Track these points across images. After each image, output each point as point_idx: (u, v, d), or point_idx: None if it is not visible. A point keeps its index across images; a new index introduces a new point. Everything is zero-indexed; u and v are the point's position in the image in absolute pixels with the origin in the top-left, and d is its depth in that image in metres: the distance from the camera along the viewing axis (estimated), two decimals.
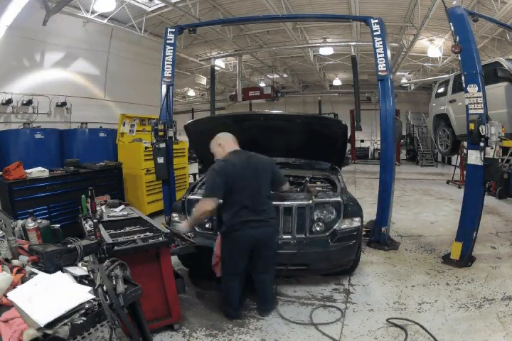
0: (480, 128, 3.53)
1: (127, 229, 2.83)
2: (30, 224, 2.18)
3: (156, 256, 2.54)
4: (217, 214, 2.91)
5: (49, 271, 1.63)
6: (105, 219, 2.97)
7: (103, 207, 3.32)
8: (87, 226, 2.93)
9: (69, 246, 1.77)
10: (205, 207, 2.66)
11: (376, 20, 4.38)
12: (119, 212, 3.22)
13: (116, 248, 2.31)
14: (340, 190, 3.61)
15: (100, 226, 2.69)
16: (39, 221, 2.28)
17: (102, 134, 7.00)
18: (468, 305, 2.98)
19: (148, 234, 2.67)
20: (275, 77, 16.67)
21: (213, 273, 3.48)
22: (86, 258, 1.88)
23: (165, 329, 2.67)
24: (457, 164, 10.06)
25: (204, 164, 4.83)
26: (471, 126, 3.59)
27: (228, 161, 2.76)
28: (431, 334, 2.51)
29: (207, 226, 3.39)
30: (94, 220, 2.76)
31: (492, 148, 3.52)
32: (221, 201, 2.74)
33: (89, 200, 3.14)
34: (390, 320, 2.75)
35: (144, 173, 6.14)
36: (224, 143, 2.91)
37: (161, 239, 2.54)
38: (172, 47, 4.80)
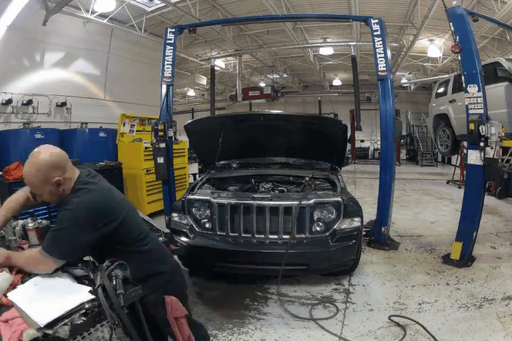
0: (480, 128, 3.53)
1: None
2: (30, 224, 2.17)
3: None
4: None
5: None
6: None
7: None
8: None
9: None
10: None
11: (376, 20, 4.38)
12: None
13: None
14: (340, 190, 3.61)
15: None
16: (39, 221, 2.28)
17: (102, 134, 7.00)
18: (468, 305, 2.98)
19: None
20: (275, 77, 16.68)
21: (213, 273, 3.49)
22: (86, 258, 1.88)
23: None
24: (457, 164, 10.06)
25: (204, 164, 4.83)
26: (471, 126, 3.59)
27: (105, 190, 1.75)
28: (431, 334, 2.51)
29: (207, 226, 3.39)
30: None
31: (492, 148, 3.52)
32: None
33: None
34: (391, 318, 2.76)
35: (144, 173, 6.14)
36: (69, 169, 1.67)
37: (161, 239, 2.54)
38: (172, 47, 4.80)
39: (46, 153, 1.58)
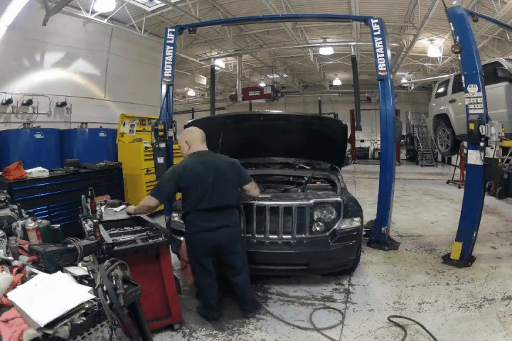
0: (480, 128, 3.53)
1: (127, 229, 2.83)
2: (30, 224, 2.17)
3: (156, 256, 2.55)
4: (182, 217, 2.90)
5: (49, 271, 1.64)
6: (105, 218, 2.97)
7: (103, 208, 3.31)
8: (87, 226, 2.93)
9: (69, 246, 1.77)
10: (148, 203, 2.73)
11: (376, 20, 4.37)
12: (119, 211, 3.22)
13: (116, 248, 2.31)
14: (340, 190, 3.61)
15: (100, 226, 2.69)
16: (39, 221, 2.28)
17: (102, 134, 7.01)
18: (468, 305, 2.98)
19: (148, 233, 2.67)
20: (275, 77, 16.68)
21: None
22: (86, 258, 1.88)
23: (165, 329, 2.67)
24: (457, 164, 10.06)
25: None
26: (471, 126, 3.59)
27: (186, 166, 2.70)
28: (431, 334, 2.51)
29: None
30: (94, 220, 2.76)
31: (492, 148, 3.52)
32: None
33: (89, 200, 3.13)
34: (391, 318, 2.76)
35: (144, 173, 6.14)
36: (191, 142, 2.82)
37: (160, 238, 2.54)
38: (172, 47, 4.79)
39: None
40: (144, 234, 2.66)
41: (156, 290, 2.56)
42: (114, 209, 3.31)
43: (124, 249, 2.36)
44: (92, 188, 3.11)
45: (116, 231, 2.73)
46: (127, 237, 2.57)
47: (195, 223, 2.70)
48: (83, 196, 3.34)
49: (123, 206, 3.38)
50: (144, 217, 3.07)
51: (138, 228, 2.83)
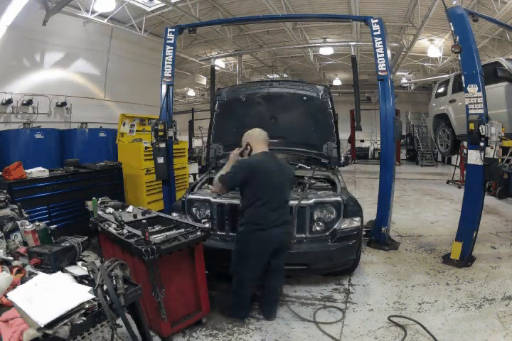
0: (480, 128, 3.53)
1: (156, 228, 2.78)
2: (28, 226, 2.16)
3: (191, 251, 2.58)
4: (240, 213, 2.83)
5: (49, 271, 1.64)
6: (127, 220, 2.85)
7: (111, 209, 3.23)
8: (112, 229, 2.73)
9: (67, 244, 1.78)
10: (217, 191, 2.82)
11: (376, 20, 4.38)
12: (133, 212, 3.17)
13: (162, 247, 2.31)
14: (340, 189, 3.60)
15: (127, 227, 2.62)
16: (37, 223, 2.26)
17: (102, 134, 7.01)
18: (468, 305, 2.98)
19: (181, 230, 2.65)
20: (275, 77, 16.67)
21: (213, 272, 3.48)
22: (86, 259, 1.88)
23: None
24: (457, 164, 10.06)
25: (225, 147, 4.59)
26: (471, 126, 3.59)
27: (259, 161, 2.72)
28: (431, 334, 2.51)
29: (207, 226, 3.38)
30: (120, 223, 2.67)
31: (492, 148, 3.52)
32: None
33: (113, 211, 3.02)
34: (391, 318, 2.75)
35: (144, 173, 6.13)
36: (253, 143, 2.84)
37: (199, 233, 2.57)
38: (172, 47, 4.80)
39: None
40: (174, 231, 2.65)
41: (190, 286, 2.61)
42: (127, 209, 3.27)
43: (172, 246, 2.37)
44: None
45: (150, 231, 2.66)
46: (161, 236, 2.53)
47: (262, 217, 2.64)
48: (94, 198, 3.26)
49: (131, 206, 3.34)
50: (162, 214, 3.05)
51: (157, 227, 2.79)
